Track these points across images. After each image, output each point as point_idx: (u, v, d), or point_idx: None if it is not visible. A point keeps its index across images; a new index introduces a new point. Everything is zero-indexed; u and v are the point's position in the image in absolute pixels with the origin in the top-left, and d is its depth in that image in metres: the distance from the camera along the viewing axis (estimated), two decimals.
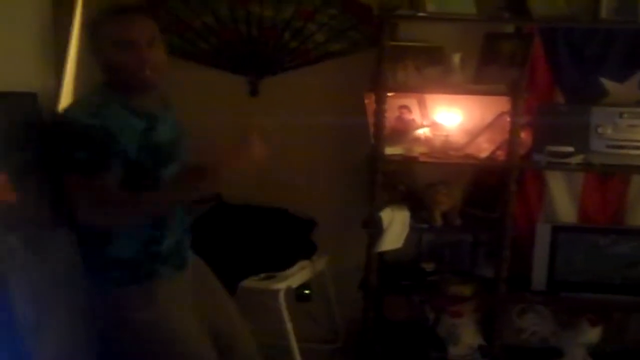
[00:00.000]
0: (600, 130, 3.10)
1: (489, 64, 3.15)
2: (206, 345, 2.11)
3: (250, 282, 2.87)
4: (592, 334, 3.24)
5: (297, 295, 3.05)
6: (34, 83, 2.42)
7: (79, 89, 3.25)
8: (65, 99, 3.12)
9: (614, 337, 3.33)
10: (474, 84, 3.12)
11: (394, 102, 3.19)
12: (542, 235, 3.21)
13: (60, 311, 2.16)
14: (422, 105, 3.27)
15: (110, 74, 2.01)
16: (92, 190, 1.88)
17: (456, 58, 3.13)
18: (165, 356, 2.04)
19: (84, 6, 3.19)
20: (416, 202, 3.23)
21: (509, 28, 3.22)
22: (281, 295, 2.87)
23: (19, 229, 2.04)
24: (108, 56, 1.97)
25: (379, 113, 3.06)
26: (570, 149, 3.08)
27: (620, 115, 3.09)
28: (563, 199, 3.34)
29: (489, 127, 3.23)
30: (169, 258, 2.09)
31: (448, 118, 3.27)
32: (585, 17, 3.01)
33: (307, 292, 3.07)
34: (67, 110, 2.03)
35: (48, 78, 2.57)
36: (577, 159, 3.08)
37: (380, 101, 3.05)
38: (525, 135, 3.13)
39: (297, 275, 3.00)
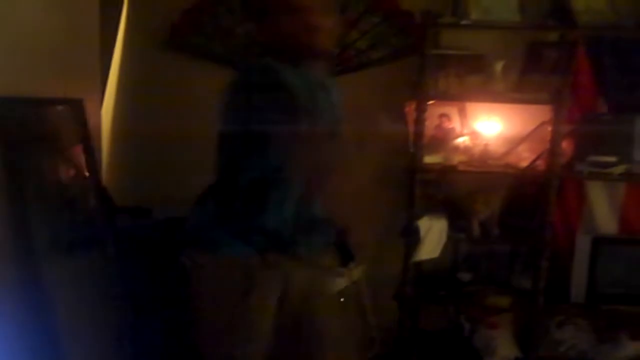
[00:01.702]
0: None
1: (532, 72, 3.14)
2: None
3: None
4: (632, 348, 3.19)
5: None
6: (80, 89, 2.47)
7: (121, 94, 3.33)
8: (108, 104, 3.19)
9: None
10: (515, 92, 3.10)
11: (434, 110, 3.16)
12: (582, 247, 3.17)
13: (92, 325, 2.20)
14: (462, 113, 3.25)
15: (277, 42, 1.95)
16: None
17: (498, 66, 3.10)
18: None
19: (129, 14, 3.26)
20: (454, 211, 3.19)
21: (553, 36, 3.19)
22: None
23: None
24: (278, 22, 1.92)
25: (419, 121, 3.04)
26: (613, 159, 3.04)
27: None
28: (603, 209, 3.29)
29: (530, 136, 3.18)
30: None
31: (488, 127, 3.23)
32: (631, 25, 2.99)
33: (342, 300, 3.06)
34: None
35: (93, 84, 2.62)
36: (620, 169, 3.03)
37: (420, 109, 3.03)
38: (566, 145, 3.09)
39: (334, 284, 2.98)
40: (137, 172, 3.36)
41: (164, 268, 2.64)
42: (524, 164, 3.13)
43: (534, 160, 3.11)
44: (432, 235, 3.09)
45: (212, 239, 1.98)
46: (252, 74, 1.89)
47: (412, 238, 3.07)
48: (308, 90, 1.91)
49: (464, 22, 2.99)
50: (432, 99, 3.09)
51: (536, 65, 3.14)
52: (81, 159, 2.37)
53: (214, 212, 2.01)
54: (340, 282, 3.03)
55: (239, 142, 1.90)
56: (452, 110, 3.24)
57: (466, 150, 3.21)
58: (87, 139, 2.41)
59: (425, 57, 3.00)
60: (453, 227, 3.17)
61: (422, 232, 3.06)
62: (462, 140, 3.22)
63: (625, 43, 3.13)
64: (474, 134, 3.24)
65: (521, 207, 3.25)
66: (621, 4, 3.04)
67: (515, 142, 3.20)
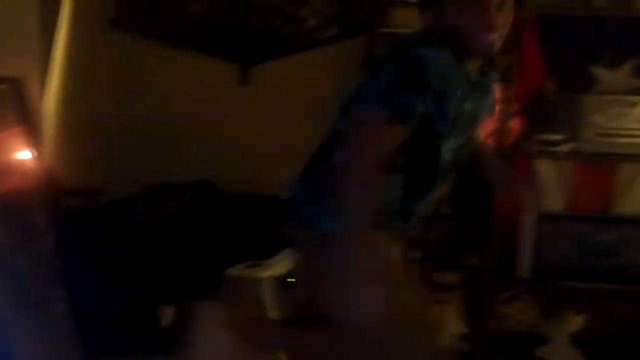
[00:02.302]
0: (590, 118, 3.11)
1: None
2: None
3: (234, 271, 2.89)
4: (576, 322, 3.27)
5: (281, 284, 3.08)
6: (18, 68, 2.42)
7: (67, 74, 3.28)
8: (53, 85, 3.14)
9: (598, 326, 3.37)
10: None
11: None
12: (529, 223, 3.23)
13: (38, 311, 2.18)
14: None
15: (451, 36, 1.84)
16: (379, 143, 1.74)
17: None
18: None
19: None
20: None
21: None
22: (264, 284, 2.90)
23: None
24: (453, 13, 1.83)
25: None
26: (560, 137, 3.09)
27: (611, 103, 3.10)
28: (550, 187, 3.35)
29: None
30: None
31: None
32: (578, 4, 3.06)
33: (291, 280, 3.10)
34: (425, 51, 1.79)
35: (32, 63, 2.57)
36: (567, 147, 3.09)
37: None
38: (514, 124, 3.13)
39: (282, 265, 3.01)
40: (85, 154, 3.32)
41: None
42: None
43: (483, 139, 3.15)
44: None
45: (310, 214, 1.96)
46: (409, 60, 1.79)
47: None
48: (460, 91, 1.85)
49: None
50: None
51: None
52: (20, 140, 2.33)
53: (314, 187, 1.98)
54: (289, 263, 3.07)
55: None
56: None
57: None
58: (27, 119, 2.37)
59: (375, 35, 3.04)
60: None
61: None
62: None
63: (573, 22, 3.17)
64: None
65: (469, 185, 3.29)
66: None
67: None
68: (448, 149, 1.93)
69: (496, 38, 1.83)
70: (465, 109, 1.90)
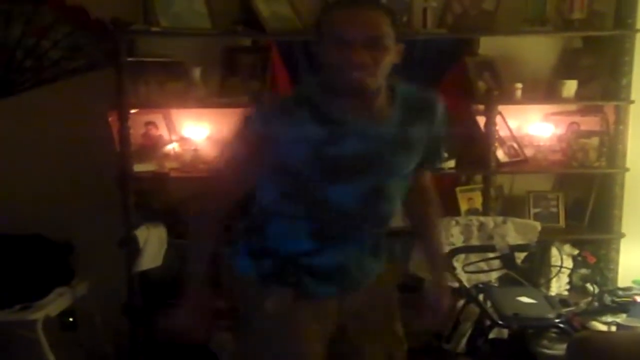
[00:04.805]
0: None
1: (231, 76, 3.56)
2: None
3: (4, 315, 2.96)
4: None
5: (61, 324, 3.16)
6: None
7: None
8: None
9: None
10: (217, 97, 3.50)
11: (139, 118, 3.48)
12: None
13: None
14: (168, 120, 3.59)
15: (324, 71, 1.98)
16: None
17: (196, 72, 3.48)
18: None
19: None
20: (172, 217, 3.50)
21: (247, 41, 3.64)
22: (39, 326, 3.00)
23: None
24: (323, 52, 1.95)
25: (123, 131, 3.32)
26: None
27: None
28: None
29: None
30: (323, 275, 2.09)
31: (196, 132, 3.59)
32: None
33: (71, 319, 3.19)
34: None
35: None
36: None
37: (123, 119, 3.31)
38: None
39: (56, 303, 3.13)
40: None
41: None
42: None
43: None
44: (152, 244, 3.37)
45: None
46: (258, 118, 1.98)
47: (131, 248, 3.33)
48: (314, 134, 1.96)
49: (154, 29, 3.32)
50: (134, 108, 3.39)
51: (234, 69, 3.58)
52: None
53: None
54: (63, 301, 3.19)
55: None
56: (158, 117, 3.56)
57: (177, 156, 3.55)
58: None
59: (122, 65, 3.28)
60: (173, 233, 3.48)
61: (141, 241, 3.33)
62: (171, 147, 3.56)
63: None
64: (183, 140, 3.60)
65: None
66: (304, 9, 3.54)
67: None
68: (342, 194, 2.03)
69: (364, 76, 1.92)
70: (339, 153, 1.97)
